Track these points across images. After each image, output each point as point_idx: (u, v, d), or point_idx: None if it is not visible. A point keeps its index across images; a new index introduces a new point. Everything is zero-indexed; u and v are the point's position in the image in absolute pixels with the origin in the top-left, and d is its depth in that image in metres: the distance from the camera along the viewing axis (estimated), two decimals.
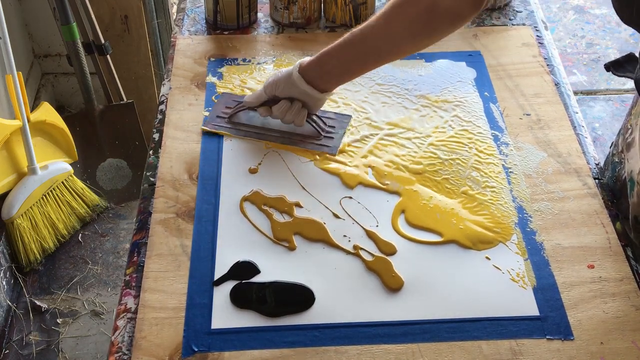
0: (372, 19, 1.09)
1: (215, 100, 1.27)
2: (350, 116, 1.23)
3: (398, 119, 1.24)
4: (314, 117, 1.19)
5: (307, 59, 1.14)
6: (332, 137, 1.20)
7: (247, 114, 1.23)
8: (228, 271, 1.00)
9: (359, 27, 1.10)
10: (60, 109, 2.38)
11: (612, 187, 1.12)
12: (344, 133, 1.20)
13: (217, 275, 0.99)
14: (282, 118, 1.17)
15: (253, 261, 1.01)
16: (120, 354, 0.91)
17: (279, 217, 1.07)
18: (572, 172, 1.14)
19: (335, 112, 1.24)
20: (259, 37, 1.44)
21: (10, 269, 1.92)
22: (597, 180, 1.13)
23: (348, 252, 1.02)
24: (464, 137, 1.20)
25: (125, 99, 2.13)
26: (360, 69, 1.15)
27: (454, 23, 1.07)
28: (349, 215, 1.08)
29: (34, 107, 1.98)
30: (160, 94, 1.30)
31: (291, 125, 1.19)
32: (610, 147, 1.16)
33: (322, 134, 1.20)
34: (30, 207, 1.89)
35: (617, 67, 1.05)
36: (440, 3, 1.02)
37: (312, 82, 1.13)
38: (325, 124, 1.21)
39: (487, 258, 1.02)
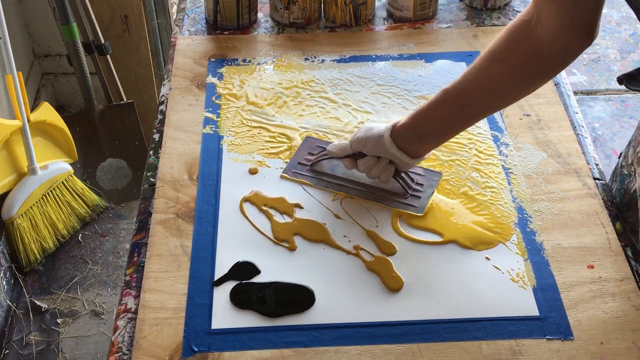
0: (467, 74, 1.00)
1: (217, 101, 1.27)
2: (440, 174, 1.14)
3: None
4: (402, 174, 1.11)
5: (401, 120, 1.06)
6: (419, 197, 1.10)
7: (330, 162, 1.15)
8: (228, 271, 1.00)
9: (452, 85, 1.01)
10: (60, 109, 2.38)
11: (620, 199, 1.11)
12: (433, 192, 1.11)
13: (217, 276, 0.99)
14: (368, 173, 1.10)
15: (253, 261, 1.01)
16: (120, 354, 0.91)
17: (279, 218, 1.07)
18: (572, 172, 1.14)
19: (424, 168, 1.15)
20: (259, 37, 1.44)
21: (10, 269, 1.92)
22: (597, 181, 1.13)
23: (348, 253, 1.02)
24: (464, 137, 1.20)
25: (125, 99, 2.13)
26: (460, 127, 1.07)
27: (566, 60, 0.98)
28: (349, 216, 1.08)
29: (34, 107, 1.98)
30: (160, 94, 1.30)
31: (376, 180, 1.11)
32: (619, 158, 1.15)
33: (409, 192, 1.11)
34: (30, 207, 1.89)
35: (630, 80, 1.03)
36: (546, 46, 0.93)
37: (405, 147, 1.06)
38: (412, 180, 1.12)
39: (487, 258, 1.02)
